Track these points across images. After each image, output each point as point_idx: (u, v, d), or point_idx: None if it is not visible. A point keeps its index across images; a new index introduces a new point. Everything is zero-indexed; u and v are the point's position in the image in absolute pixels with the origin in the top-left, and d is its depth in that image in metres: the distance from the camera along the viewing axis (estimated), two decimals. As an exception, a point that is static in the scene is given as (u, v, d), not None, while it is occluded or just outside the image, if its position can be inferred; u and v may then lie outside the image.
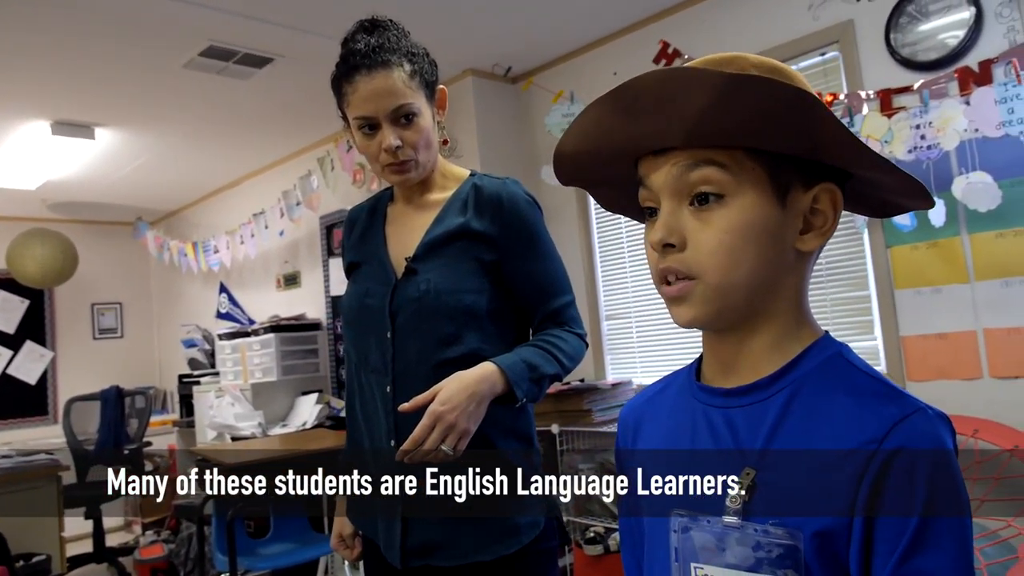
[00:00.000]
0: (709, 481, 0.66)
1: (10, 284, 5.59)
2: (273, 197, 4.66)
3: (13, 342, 5.77)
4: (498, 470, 1.11)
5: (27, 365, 5.79)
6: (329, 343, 4.66)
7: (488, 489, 1.13)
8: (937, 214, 2.42)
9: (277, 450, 3.12)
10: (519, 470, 1.12)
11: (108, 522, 4.64)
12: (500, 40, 3.48)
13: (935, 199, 0.74)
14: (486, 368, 1.17)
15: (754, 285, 0.66)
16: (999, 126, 2.24)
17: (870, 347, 2.74)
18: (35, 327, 5.90)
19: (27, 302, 5.84)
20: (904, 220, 2.51)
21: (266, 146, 4.72)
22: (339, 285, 4.57)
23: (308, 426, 4.19)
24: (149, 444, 4.79)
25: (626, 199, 0.76)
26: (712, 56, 0.70)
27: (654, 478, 0.72)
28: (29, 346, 5.81)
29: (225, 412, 4.29)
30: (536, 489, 1.15)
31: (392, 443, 1.27)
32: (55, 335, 6.01)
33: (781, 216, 0.66)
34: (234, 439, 4.14)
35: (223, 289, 5.47)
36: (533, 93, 3.77)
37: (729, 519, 0.64)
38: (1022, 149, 2.31)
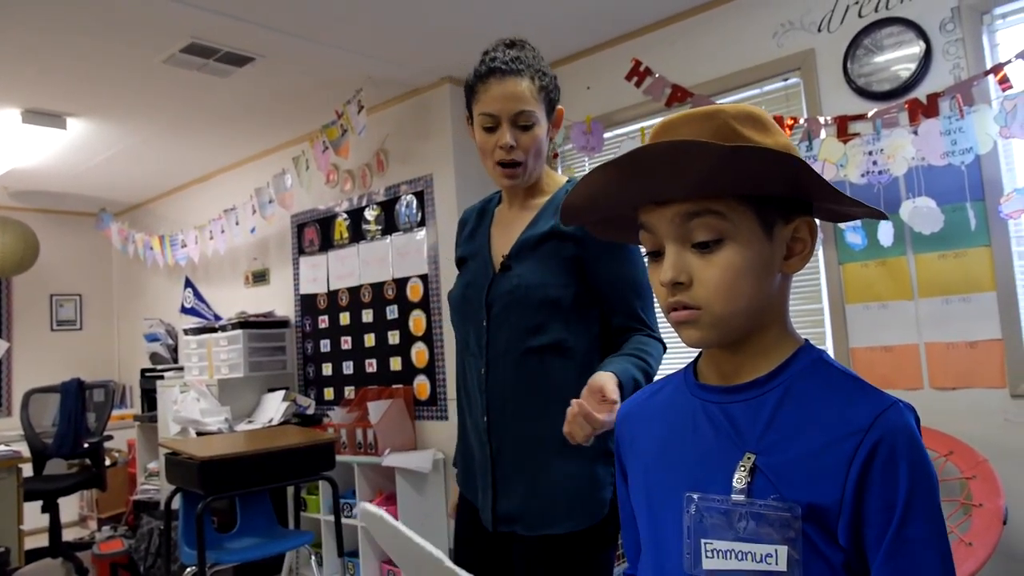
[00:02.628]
0: (715, 465, 0.77)
1: (-33, 272, 5.48)
2: (245, 194, 4.68)
3: (-33, 331, 5.66)
4: (575, 452, 1.32)
5: (-19, 355, 5.68)
6: (297, 341, 4.70)
7: (563, 467, 1.35)
8: (885, 234, 2.59)
9: (255, 446, 3.16)
10: (592, 451, 1.32)
11: (64, 517, 4.59)
12: (477, 49, 3.54)
13: (887, 215, 0.88)
14: (614, 379, 1.24)
15: (751, 310, 0.77)
16: (943, 155, 2.42)
17: (821, 357, 2.91)
18: (-9, 317, 5.79)
19: (-17, 291, 5.74)
20: (856, 239, 2.68)
21: (240, 143, 4.74)
22: (309, 283, 4.61)
23: (275, 423, 4.22)
24: (110, 438, 4.75)
25: (614, 229, 0.88)
26: (692, 111, 0.78)
27: (662, 466, 0.84)
28: (-16, 336, 5.70)
29: (190, 407, 4.29)
30: (605, 472, 1.38)
31: (485, 419, 1.43)
32: (11, 325, 5.90)
33: (769, 248, 0.77)
34: (199, 434, 4.15)
35: (189, 284, 5.45)
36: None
37: (736, 497, 0.74)
38: (963, 178, 2.50)
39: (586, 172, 0.80)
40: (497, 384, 1.42)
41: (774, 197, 0.77)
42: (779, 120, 2.80)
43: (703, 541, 0.75)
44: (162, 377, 5.01)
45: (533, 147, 1.44)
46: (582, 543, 1.37)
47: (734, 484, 0.74)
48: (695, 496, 0.77)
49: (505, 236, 1.51)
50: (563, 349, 1.39)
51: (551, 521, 1.36)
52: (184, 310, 5.40)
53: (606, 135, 3.47)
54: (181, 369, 5.04)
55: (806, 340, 0.83)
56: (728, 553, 0.73)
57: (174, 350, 5.57)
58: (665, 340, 1.48)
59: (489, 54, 1.48)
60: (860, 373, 2.84)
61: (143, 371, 5.42)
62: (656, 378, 1.20)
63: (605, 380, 1.22)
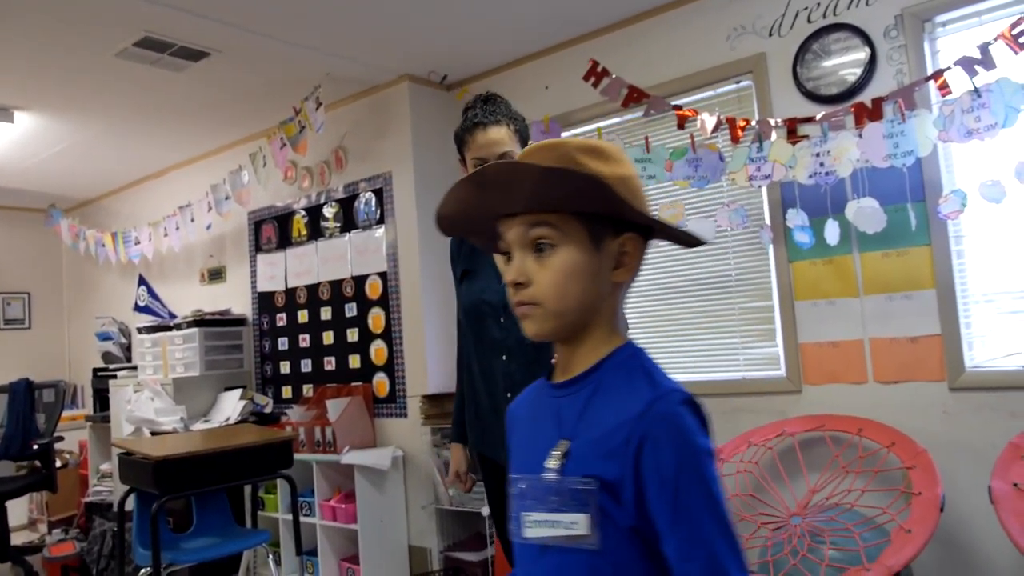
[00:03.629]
0: (542, 451, 0.92)
1: (-92, 269, 5.30)
2: (201, 190, 4.61)
3: (-91, 331, 5.46)
4: None
5: (-76, 355, 5.50)
6: (255, 339, 4.65)
7: None
8: (832, 234, 2.68)
9: (212, 445, 3.13)
10: None
11: (12, 520, 4.47)
12: (437, 48, 3.59)
13: (706, 240, 1.01)
14: None
15: (581, 309, 0.92)
16: (886, 158, 2.51)
17: (772, 353, 3.00)
18: (-66, 315, 5.61)
19: (-74, 289, 5.55)
20: (804, 238, 2.76)
21: (196, 138, 4.67)
22: (267, 280, 4.57)
23: (231, 421, 4.18)
24: (60, 439, 4.65)
25: (487, 239, 1.03)
26: (541, 143, 0.93)
27: (515, 454, 1.02)
28: (-73, 335, 5.52)
29: (144, 406, 4.23)
30: None
31: (508, 395, 1.80)
32: (-44, 324, 5.73)
33: (597, 258, 0.91)
34: (154, 433, 4.09)
35: (142, 282, 5.34)
36: (467, 102, 3.88)
37: (548, 475, 0.89)
38: (904, 179, 2.60)
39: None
40: (517, 368, 1.78)
41: (605, 215, 0.91)
42: (731, 122, 2.87)
43: (523, 513, 0.92)
44: (115, 376, 4.92)
45: None
46: None
47: (548, 465, 0.90)
48: (519, 477, 0.95)
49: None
50: None
51: None
52: (138, 308, 5.30)
53: (564, 134, 3.51)
54: (135, 368, 4.94)
55: (629, 340, 0.96)
56: (542, 522, 0.89)
57: (127, 349, 5.47)
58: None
59: (471, 111, 1.85)
60: (809, 368, 2.97)
61: (95, 370, 5.31)
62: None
63: None
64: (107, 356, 5.42)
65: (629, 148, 3.07)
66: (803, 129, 2.78)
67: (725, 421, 3.04)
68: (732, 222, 2.94)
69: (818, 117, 2.73)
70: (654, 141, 3.04)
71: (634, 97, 3.07)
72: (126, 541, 3.41)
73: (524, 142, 1.85)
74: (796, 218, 2.77)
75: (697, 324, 3.21)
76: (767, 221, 2.99)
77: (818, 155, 2.65)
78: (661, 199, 3.23)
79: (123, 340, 5.50)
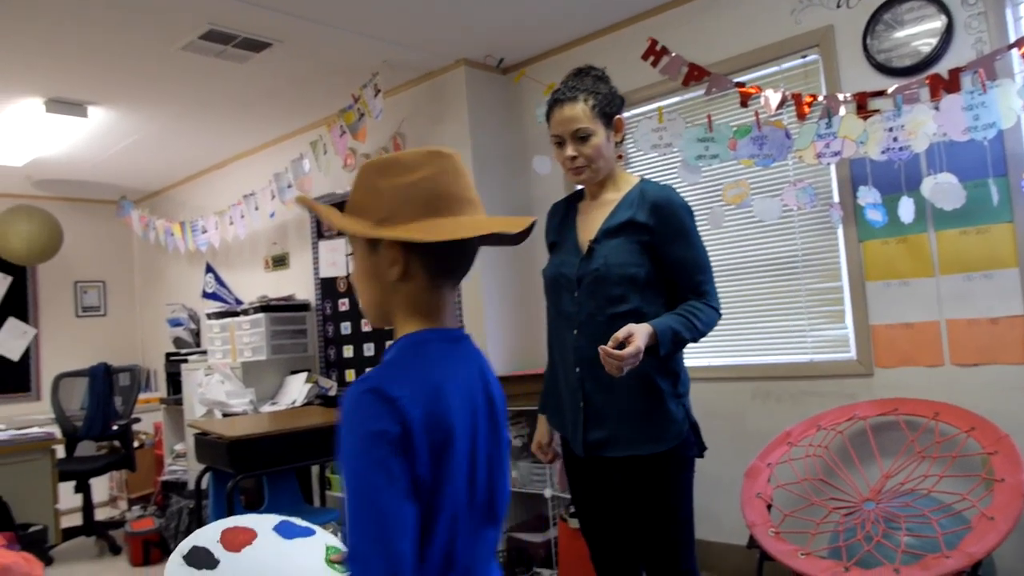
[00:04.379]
0: None
1: (-7, 260, 5.58)
2: (264, 179, 4.72)
3: (-5, 318, 5.77)
4: (650, 392, 1.75)
5: (10, 341, 5.79)
6: (318, 324, 4.76)
7: (642, 403, 1.75)
8: (906, 211, 2.59)
9: (281, 426, 3.22)
10: (664, 393, 1.75)
11: (95, 497, 4.70)
12: (493, 31, 3.58)
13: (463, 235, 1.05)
14: (649, 328, 1.64)
15: (376, 304, 1.05)
16: (965, 131, 2.40)
17: (840, 335, 2.92)
18: (18, 304, 5.89)
19: (10, 278, 5.83)
20: (876, 216, 2.68)
21: (259, 128, 4.77)
22: (328, 267, 4.65)
23: (298, 404, 4.29)
24: (137, 420, 4.85)
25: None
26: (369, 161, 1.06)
27: None
28: (12, 323, 5.81)
29: (215, 389, 4.37)
30: (677, 408, 1.77)
31: (577, 370, 1.81)
32: (38, 312, 6.01)
33: (375, 260, 1.02)
34: (225, 415, 4.23)
35: (209, 269, 5.51)
36: (524, 84, 3.87)
37: None
38: (985, 153, 2.49)
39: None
40: (586, 343, 1.76)
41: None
42: (797, 98, 2.79)
43: None
44: (186, 361, 5.10)
45: (592, 154, 1.82)
46: (663, 463, 1.75)
47: None
48: None
49: (589, 225, 1.87)
50: (640, 315, 1.74)
51: (636, 445, 1.74)
52: (206, 295, 5.47)
53: (624, 115, 3.47)
54: (204, 353, 5.12)
55: (417, 331, 1.02)
56: None
57: (197, 334, 5.66)
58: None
59: (556, 87, 1.89)
60: (881, 351, 2.88)
61: (167, 355, 5.51)
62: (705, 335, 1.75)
63: (630, 328, 1.60)
64: (178, 341, 5.62)
65: (691, 128, 3.01)
66: (874, 103, 2.68)
67: (792, 404, 2.98)
68: (799, 201, 2.86)
69: (890, 90, 2.63)
70: (717, 119, 2.98)
71: (695, 75, 3.01)
72: (203, 518, 3.55)
73: (608, 116, 1.84)
74: (868, 195, 2.68)
75: (763, 306, 3.15)
76: (836, 199, 2.90)
77: (891, 130, 2.55)
78: (725, 179, 3.16)
79: (192, 326, 5.70)
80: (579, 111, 1.81)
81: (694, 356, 3.35)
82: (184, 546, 1.86)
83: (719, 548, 3.20)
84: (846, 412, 2.75)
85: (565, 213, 1.99)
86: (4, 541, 3.05)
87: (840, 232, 2.90)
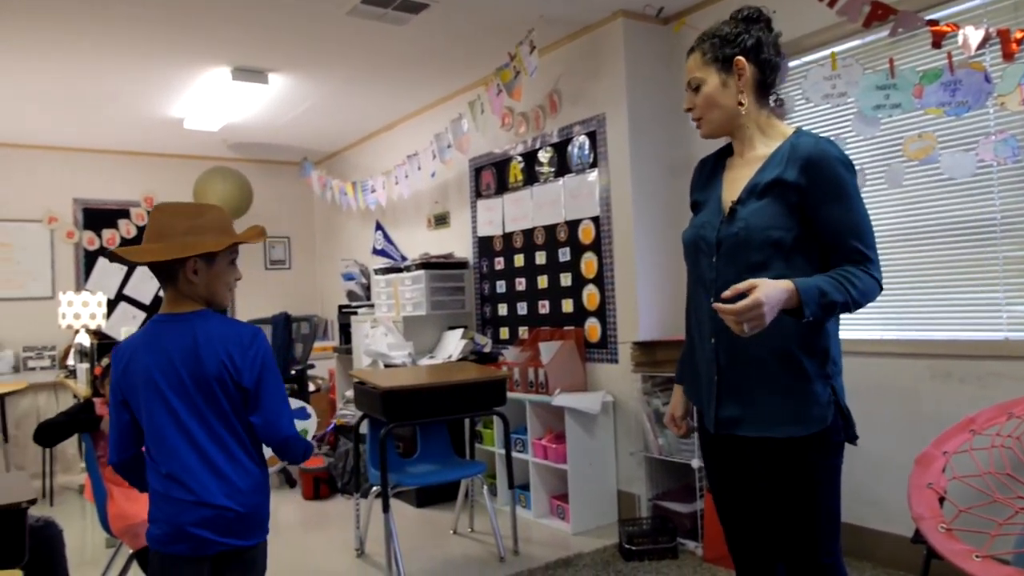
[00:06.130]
0: None
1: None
2: (426, 140, 4.86)
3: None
4: (793, 370, 1.56)
5: (210, 290, 6.46)
6: (475, 282, 4.87)
7: (783, 381, 1.57)
8: None
9: (434, 379, 3.35)
10: (809, 373, 1.56)
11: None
12: (653, -21, 3.39)
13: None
14: (788, 285, 1.44)
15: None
16: None
17: (1046, 310, 2.53)
18: (217, 256, 6.55)
19: (210, 233, 6.48)
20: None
21: (419, 90, 4.90)
22: (486, 225, 4.73)
23: (453, 358, 4.44)
24: (312, 367, 5.26)
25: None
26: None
27: None
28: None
29: (379, 341, 4.63)
30: (824, 389, 1.57)
31: (712, 340, 1.66)
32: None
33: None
34: (387, 366, 4.47)
35: (379, 227, 5.81)
36: (685, 35, 3.66)
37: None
38: None
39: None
40: None
41: None
42: (1004, 34, 2.40)
43: None
44: (356, 313, 5.43)
45: (704, 103, 1.67)
46: (803, 447, 1.56)
47: None
48: None
49: (734, 184, 1.69)
50: None
51: (771, 426, 1.58)
52: (375, 251, 5.78)
53: (791, 63, 3.18)
54: (372, 306, 5.42)
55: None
56: None
57: (367, 288, 6.01)
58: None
59: None
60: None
61: (340, 307, 5.91)
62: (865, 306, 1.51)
63: (755, 280, 1.42)
64: (350, 294, 6.00)
65: (869, 74, 2.70)
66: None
67: (980, 387, 2.65)
68: (999, 155, 2.49)
69: None
70: (901, 64, 2.64)
71: (879, 14, 2.68)
72: (361, 461, 3.79)
73: (725, 61, 1.64)
74: (1088, 148, 2.28)
75: (948, 275, 2.79)
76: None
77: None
78: (907, 131, 2.82)
79: (363, 280, 6.05)
80: (692, 62, 1.68)
81: (861, 327, 3.06)
82: None
83: (880, 537, 2.94)
84: (1046, 399, 2.39)
85: (713, 170, 1.80)
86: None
87: (1051, 191, 2.49)
